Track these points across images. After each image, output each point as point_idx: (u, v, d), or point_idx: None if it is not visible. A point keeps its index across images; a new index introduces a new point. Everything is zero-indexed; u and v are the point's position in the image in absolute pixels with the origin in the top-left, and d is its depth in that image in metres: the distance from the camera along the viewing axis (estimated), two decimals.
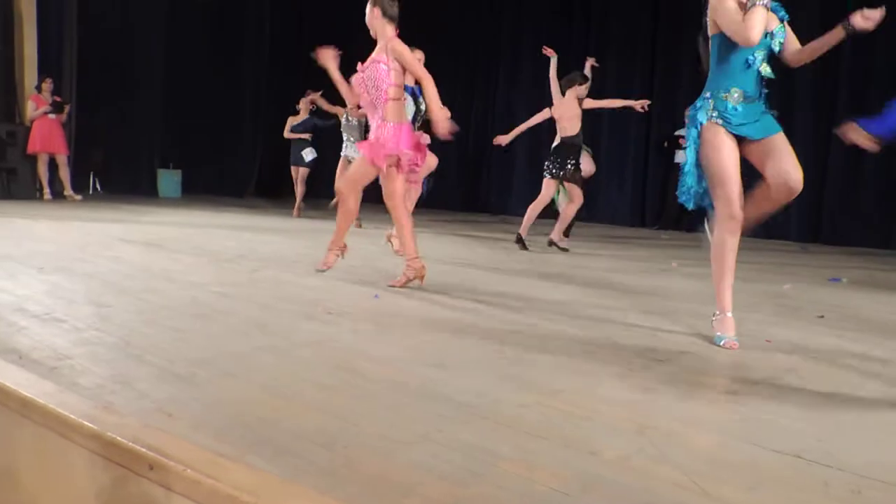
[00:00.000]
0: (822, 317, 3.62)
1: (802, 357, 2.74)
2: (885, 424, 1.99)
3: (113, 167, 11.76)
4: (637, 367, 2.48)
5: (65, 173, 9.80)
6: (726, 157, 3.00)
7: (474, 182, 12.23)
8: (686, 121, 3.22)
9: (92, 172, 11.59)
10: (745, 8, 2.91)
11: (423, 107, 5.32)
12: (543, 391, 2.12)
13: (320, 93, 8.19)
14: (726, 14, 2.94)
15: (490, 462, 1.58)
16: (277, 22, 13.08)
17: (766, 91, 3.08)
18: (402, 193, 3.97)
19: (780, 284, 4.75)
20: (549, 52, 7.17)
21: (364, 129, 6.99)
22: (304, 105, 9.15)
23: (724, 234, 2.99)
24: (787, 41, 3.09)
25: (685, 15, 9.17)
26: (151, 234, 5.98)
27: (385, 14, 3.82)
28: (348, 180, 4.07)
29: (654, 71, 9.90)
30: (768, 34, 2.99)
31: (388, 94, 3.82)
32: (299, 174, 9.24)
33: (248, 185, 13.28)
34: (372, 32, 3.90)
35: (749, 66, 3.01)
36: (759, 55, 3.00)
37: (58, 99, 9.74)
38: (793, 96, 8.44)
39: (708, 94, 3.06)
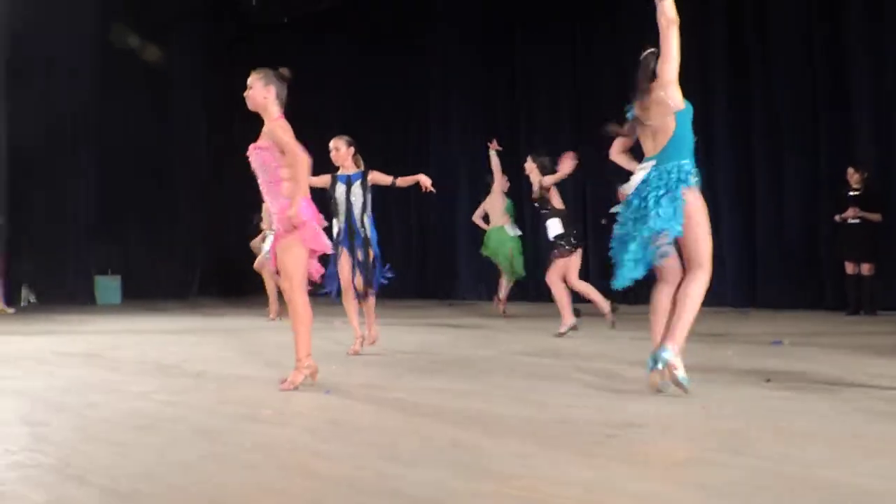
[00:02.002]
0: (768, 380, 3.70)
1: (751, 422, 2.80)
2: (833, 486, 2.03)
3: (47, 277, 11.42)
4: (589, 443, 2.49)
5: None
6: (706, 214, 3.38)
7: (419, 267, 12.31)
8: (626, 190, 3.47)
9: (25, 284, 11.22)
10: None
11: (353, 198, 5.03)
12: (499, 477, 2.10)
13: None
14: (671, 73, 3.33)
15: None
16: (214, 125, 13.20)
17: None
18: (302, 275, 3.66)
19: (723, 351, 4.86)
20: (495, 146, 7.56)
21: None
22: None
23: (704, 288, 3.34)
24: None
25: (606, 91, 9.68)
26: (89, 345, 5.78)
27: (278, 96, 3.69)
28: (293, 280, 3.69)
29: (583, 154, 10.30)
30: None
31: (282, 176, 3.65)
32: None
33: (191, 287, 13.05)
34: (250, 106, 3.70)
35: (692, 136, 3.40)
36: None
37: None
38: (715, 168, 8.87)
39: (687, 161, 3.35)
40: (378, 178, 5.12)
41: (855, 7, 8.25)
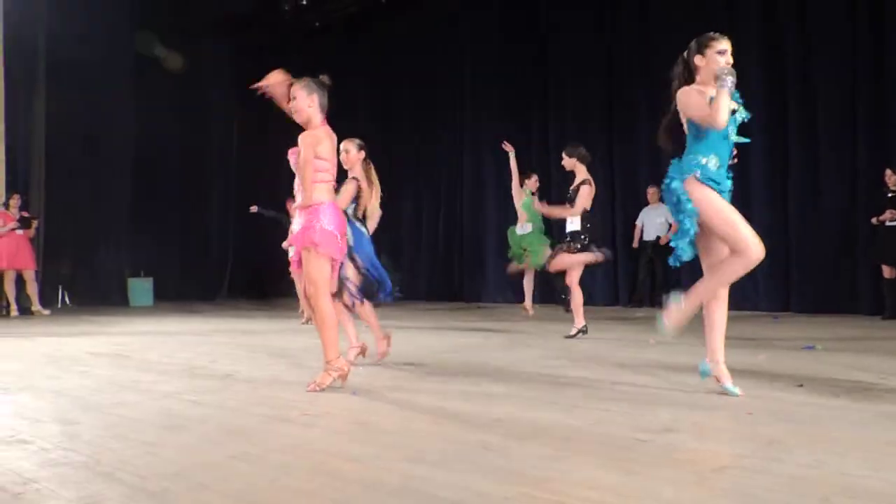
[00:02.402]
0: (801, 385, 3.62)
1: (785, 427, 2.73)
2: (874, 496, 1.97)
3: (82, 279, 11.65)
4: (622, 448, 2.44)
5: (32, 289, 9.69)
6: (727, 205, 3.27)
7: (446, 271, 12.32)
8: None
9: (60, 286, 11.45)
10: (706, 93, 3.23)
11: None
12: (528, 481, 2.07)
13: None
14: (693, 106, 3.26)
15: None
16: (245, 130, 13.34)
17: (732, 164, 3.36)
18: (326, 280, 3.65)
19: (755, 356, 4.77)
20: (507, 147, 7.60)
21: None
22: None
23: (746, 266, 3.24)
24: None
25: (639, 96, 9.60)
26: (121, 345, 5.87)
27: (320, 104, 3.69)
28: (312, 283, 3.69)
29: (612, 154, 10.24)
30: (732, 114, 3.28)
31: (316, 178, 3.64)
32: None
33: (221, 289, 13.22)
34: (298, 118, 3.69)
35: (725, 137, 3.30)
36: (732, 129, 3.27)
37: (25, 214, 9.74)
38: (748, 170, 8.73)
39: (690, 158, 3.31)
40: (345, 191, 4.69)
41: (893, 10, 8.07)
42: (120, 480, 2.13)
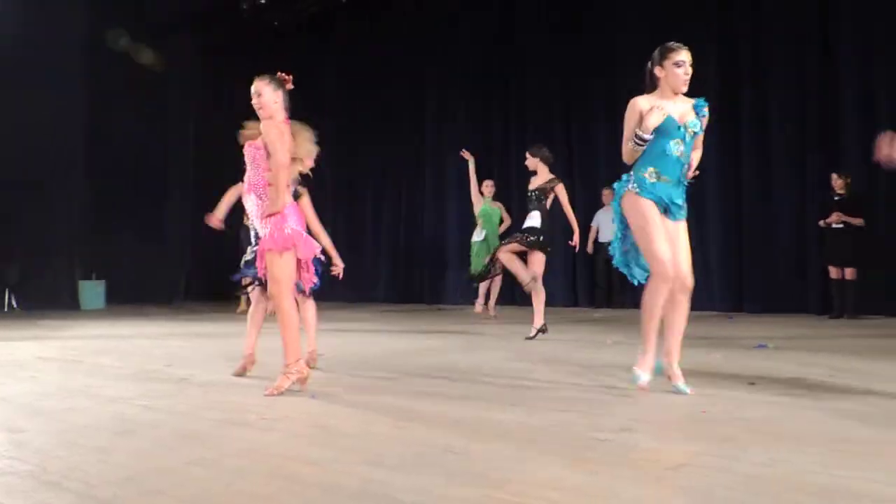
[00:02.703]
0: (753, 384, 3.70)
1: (739, 425, 2.78)
2: (828, 491, 2.01)
3: (30, 281, 11.26)
4: (581, 447, 2.46)
5: None
6: (651, 221, 3.33)
7: (407, 273, 12.28)
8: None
9: (7, 289, 11.07)
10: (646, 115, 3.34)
11: None
12: (489, 482, 2.07)
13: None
14: (627, 124, 3.42)
15: None
16: (202, 130, 13.08)
17: (686, 181, 3.43)
18: (290, 279, 3.63)
19: (709, 355, 4.86)
20: (466, 155, 7.66)
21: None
22: None
23: (658, 285, 3.33)
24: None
25: (594, 106, 9.71)
26: (71, 349, 5.69)
27: (284, 101, 3.66)
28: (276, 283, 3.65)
29: (571, 155, 10.33)
30: (682, 126, 3.33)
31: (267, 178, 3.64)
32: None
33: (177, 292, 12.93)
34: (262, 114, 3.62)
35: (666, 154, 3.36)
36: (673, 145, 3.32)
37: None
38: (702, 171, 8.89)
39: (631, 173, 3.44)
40: None
41: (844, 18, 8.33)
42: (68, 489, 2.06)
